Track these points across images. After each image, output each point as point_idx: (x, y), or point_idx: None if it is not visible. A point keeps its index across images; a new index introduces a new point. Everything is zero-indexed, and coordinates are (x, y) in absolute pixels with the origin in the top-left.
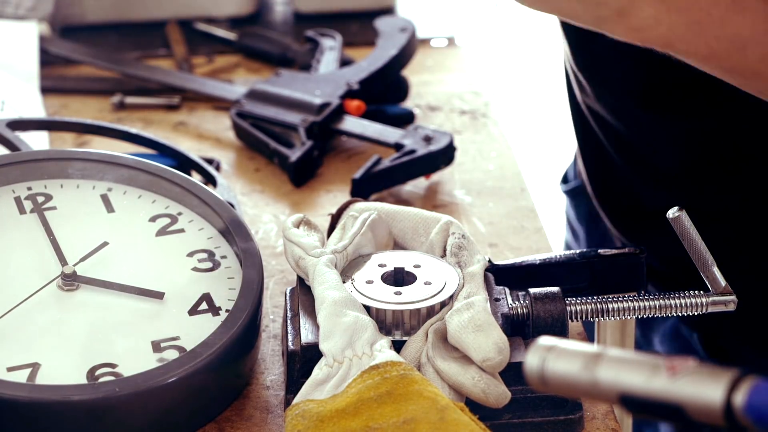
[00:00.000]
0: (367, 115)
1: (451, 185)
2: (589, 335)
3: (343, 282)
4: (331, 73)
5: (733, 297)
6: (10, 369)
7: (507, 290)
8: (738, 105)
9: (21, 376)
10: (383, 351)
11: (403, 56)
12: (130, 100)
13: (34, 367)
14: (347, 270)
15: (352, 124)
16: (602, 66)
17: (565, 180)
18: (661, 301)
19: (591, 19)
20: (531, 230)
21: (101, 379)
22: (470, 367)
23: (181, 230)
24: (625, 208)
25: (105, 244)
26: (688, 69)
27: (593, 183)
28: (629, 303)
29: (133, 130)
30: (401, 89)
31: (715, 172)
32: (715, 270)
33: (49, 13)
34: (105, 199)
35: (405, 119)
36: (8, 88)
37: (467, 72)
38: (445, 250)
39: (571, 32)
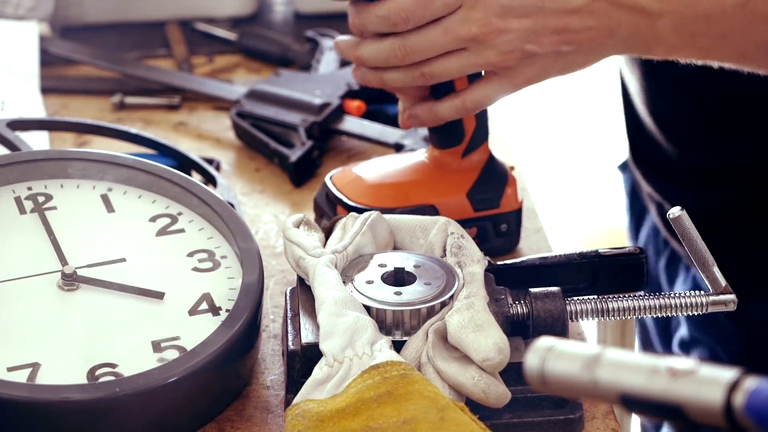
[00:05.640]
0: (367, 115)
1: None
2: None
3: (344, 282)
4: (331, 73)
5: (733, 297)
6: (10, 369)
7: (507, 290)
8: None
9: (21, 376)
10: (383, 351)
11: None
12: (130, 100)
13: (34, 367)
14: (347, 270)
15: (352, 124)
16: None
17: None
18: (661, 301)
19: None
20: (531, 230)
21: (101, 379)
22: (470, 367)
23: (181, 230)
24: (655, 166)
25: (122, 260)
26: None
27: (631, 145)
28: (629, 303)
29: (133, 130)
30: None
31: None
32: (715, 270)
33: (49, 13)
34: (105, 199)
35: None
36: (8, 88)
37: None
38: (444, 251)
39: None
